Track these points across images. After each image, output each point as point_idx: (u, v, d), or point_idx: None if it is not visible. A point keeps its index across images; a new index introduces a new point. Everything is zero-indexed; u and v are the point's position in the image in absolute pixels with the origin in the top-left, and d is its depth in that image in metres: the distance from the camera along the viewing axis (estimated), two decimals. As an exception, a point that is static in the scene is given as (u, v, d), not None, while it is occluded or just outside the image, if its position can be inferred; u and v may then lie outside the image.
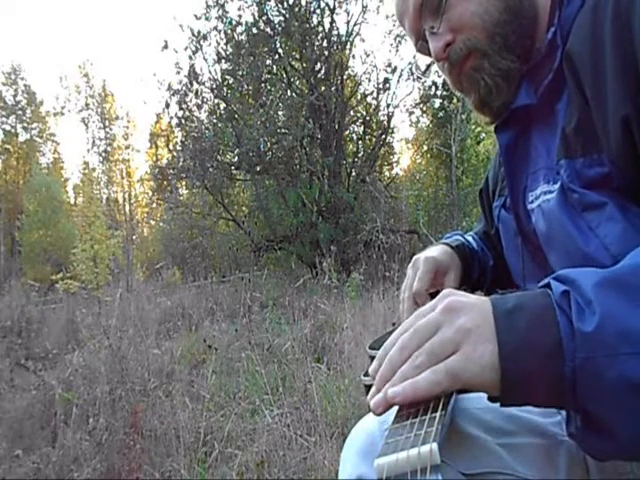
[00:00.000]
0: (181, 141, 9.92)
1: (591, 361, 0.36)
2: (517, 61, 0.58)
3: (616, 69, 0.45)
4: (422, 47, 0.64)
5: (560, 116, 0.54)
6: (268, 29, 8.91)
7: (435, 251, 0.81)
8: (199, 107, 9.51)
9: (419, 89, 10.33)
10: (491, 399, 0.42)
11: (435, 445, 0.33)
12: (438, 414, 0.38)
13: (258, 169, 8.91)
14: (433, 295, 0.73)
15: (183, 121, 9.40)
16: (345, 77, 9.63)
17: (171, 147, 10.94)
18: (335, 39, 9.11)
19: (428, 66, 0.70)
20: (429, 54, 0.63)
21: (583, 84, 0.49)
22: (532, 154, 0.59)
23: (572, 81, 0.51)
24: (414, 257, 0.81)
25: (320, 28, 9.07)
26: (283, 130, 8.55)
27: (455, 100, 10.10)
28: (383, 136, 9.67)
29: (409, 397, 0.39)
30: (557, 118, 0.54)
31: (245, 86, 9.03)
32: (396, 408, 0.51)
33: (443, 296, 0.43)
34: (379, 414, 0.41)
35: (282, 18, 8.84)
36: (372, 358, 0.89)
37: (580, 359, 0.36)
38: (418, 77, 9.15)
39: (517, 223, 0.64)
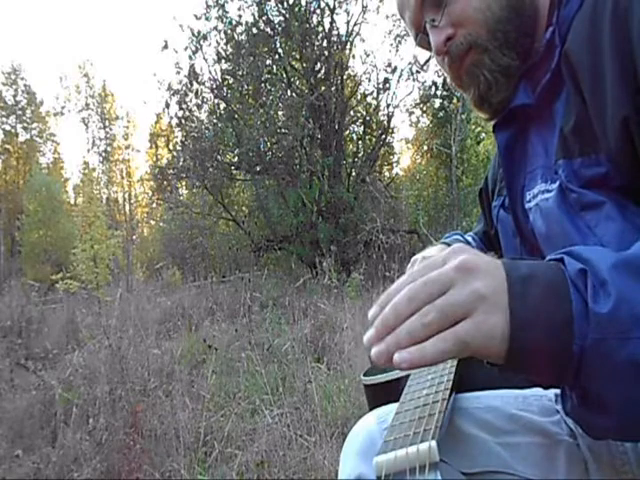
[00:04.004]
0: (181, 141, 9.92)
1: (602, 342, 0.36)
2: (517, 59, 0.58)
3: (615, 70, 0.45)
4: (422, 40, 0.64)
5: (558, 116, 0.54)
6: (268, 29, 8.91)
7: (433, 251, 0.81)
8: (199, 107, 9.51)
9: (419, 89, 10.36)
10: (490, 365, 0.41)
11: (434, 443, 0.33)
12: (437, 413, 0.38)
13: (258, 169, 8.91)
14: None
15: (183, 121, 9.40)
16: (345, 77, 9.63)
17: (171, 147, 10.93)
18: (335, 39, 9.11)
19: (427, 60, 0.69)
20: (429, 48, 0.63)
21: (581, 84, 0.49)
22: (530, 153, 0.60)
23: (570, 81, 0.51)
24: (413, 258, 0.81)
25: (320, 28, 9.06)
26: (283, 130, 8.55)
27: (455, 100, 10.10)
28: (383, 136, 9.67)
29: (415, 364, 0.37)
30: (555, 118, 0.54)
31: (245, 86, 9.03)
32: (394, 408, 0.51)
33: (455, 252, 0.41)
34: (382, 364, 0.39)
35: (282, 18, 8.84)
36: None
37: (592, 339, 0.36)
38: (417, 71, 9.15)
39: (515, 223, 0.64)
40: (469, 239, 0.89)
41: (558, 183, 0.53)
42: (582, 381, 0.37)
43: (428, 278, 0.39)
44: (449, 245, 0.83)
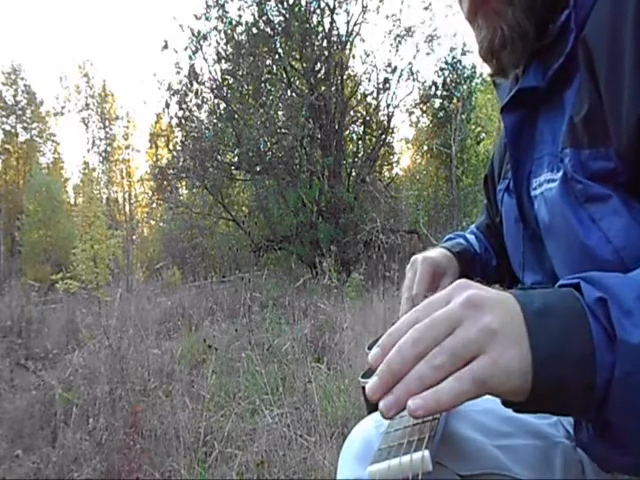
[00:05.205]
0: (181, 141, 9.93)
1: (631, 376, 0.34)
2: (534, 31, 0.55)
3: (635, 66, 0.44)
4: None
5: (568, 103, 0.52)
6: (268, 29, 8.91)
7: (434, 252, 0.80)
8: (199, 107, 9.52)
9: (419, 89, 10.36)
10: (506, 404, 0.38)
11: (427, 452, 0.33)
12: (431, 419, 0.38)
13: (258, 169, 8.92)
14: None
15: (183, 121, 9.41)
16: (345, 77, 9.64)
17: (171, 147, 10.94)
18: (335, 39, 9.11)
19: None
20: None
21: (597, 75, 0.48)
22: (537, 139, 0.58)
23: (585, 69, 0.49)
24: (412, 258, 0.80)
25: (320, 28, 9.07)
26: (283, 130, 8.55)
27: (455, 100, 10.11)
28: (383, 136, 9.68)
29: (432, 410, 0.34)
30: (565, 105, 0.53)
31: (245, 86, 9.03)
32: None
33: (460, 288, 0.38)
34: (390, 417, 0.36)
35: (282, 18, 8.84)
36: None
37: (621, 372, 0.34)
38: (417, 71, 8.98)
39: (519, 208, 0.63)
40: (472, 240, 0.87)
41: (562, 172, 0.51)
42: (605, 414, 0.35)
43: (434, 318, 0.36)
44: (450, 250, 0.82)
